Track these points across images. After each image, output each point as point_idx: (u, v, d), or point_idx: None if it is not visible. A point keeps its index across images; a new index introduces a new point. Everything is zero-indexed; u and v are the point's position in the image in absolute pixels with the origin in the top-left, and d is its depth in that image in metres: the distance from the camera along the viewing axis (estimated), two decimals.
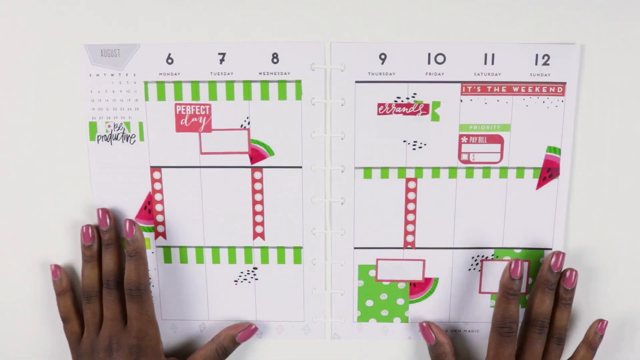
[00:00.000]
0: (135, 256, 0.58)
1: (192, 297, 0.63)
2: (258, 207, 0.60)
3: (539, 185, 0.59)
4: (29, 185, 0.60)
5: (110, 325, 0.59)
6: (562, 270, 0.58)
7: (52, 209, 0.61)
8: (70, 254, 0.62)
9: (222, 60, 0.57)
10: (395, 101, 0.57)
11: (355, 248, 0.61)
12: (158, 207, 0.61)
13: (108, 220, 0.59)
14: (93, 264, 0.60)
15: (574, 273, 0.58)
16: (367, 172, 0.59)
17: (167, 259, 0.62)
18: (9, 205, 0.61)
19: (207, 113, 0.58)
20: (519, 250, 0.61)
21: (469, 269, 0.61)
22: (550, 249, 0.60)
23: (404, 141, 0.58)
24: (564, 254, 0.58)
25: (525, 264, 0.61)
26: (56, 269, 0.61)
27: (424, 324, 0.62)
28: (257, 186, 0.60)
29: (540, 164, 0.58)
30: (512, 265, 0.57)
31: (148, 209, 0.61)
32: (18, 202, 0.61)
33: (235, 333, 0.61)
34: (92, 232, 0.59)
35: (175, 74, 0.57)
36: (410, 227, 0.60)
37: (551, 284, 0.58)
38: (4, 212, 0.61)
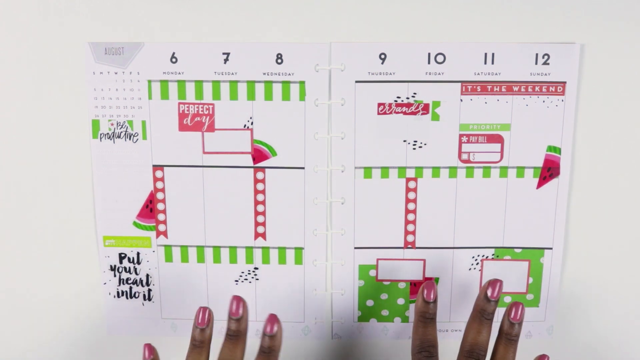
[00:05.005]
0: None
1: (193, 297, 0.63)
2: (260, 208, 0.61)
3: (539, 184, 0.59)
4: (31, 182, 0.61)
5: None
6: (510, 305, 0.54)
7: (53, 206, 0.61)
8: (69, 251, 0.62)
9: (226, 60, 0.57)
10: (395, 101, 0.58)
11: (355, 248, 0.61)
12: (160, 206, 0.61)
13: (241, 310, 0.52)
14: (201, 351, 0.53)
15: (520, 307, 0.53)
16: (367, 172, 0.59)
17: (168, 257, 0.62)
18: (11, 202, 0.61)
19: (211, 113, 0.59)
20: (519, 250, 0.60)
21: (469, 269, 0.61)
22: (551, 248, 0.60)
23: (404, 141, 0.58)
24: (501, 281, 0.54)
25: (436, 286, 0.56)
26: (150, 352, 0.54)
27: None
28: (260, 186, 0.60)
29: (540, 163, 0.58)
30: (426, 290, 0.54)
31: (150, 208, 0.61)
32: (19, 199, 0.61)
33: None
34: (208, 315, 0.53)
35: (179, 73, 0.58)
36: (410, 227, 0.60)
37: (487, 314, 0.53)
38: (5, 209, 0.61)
